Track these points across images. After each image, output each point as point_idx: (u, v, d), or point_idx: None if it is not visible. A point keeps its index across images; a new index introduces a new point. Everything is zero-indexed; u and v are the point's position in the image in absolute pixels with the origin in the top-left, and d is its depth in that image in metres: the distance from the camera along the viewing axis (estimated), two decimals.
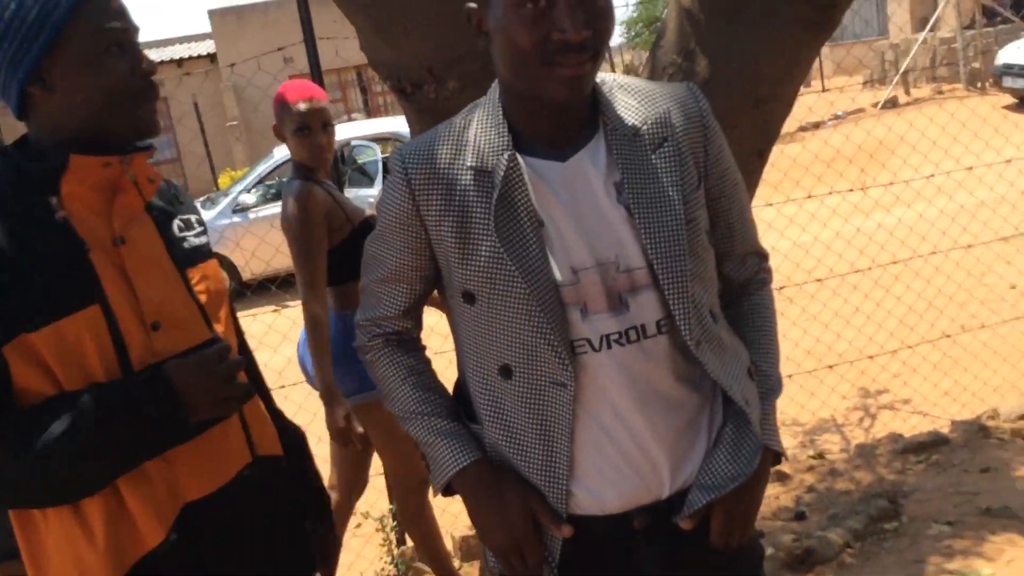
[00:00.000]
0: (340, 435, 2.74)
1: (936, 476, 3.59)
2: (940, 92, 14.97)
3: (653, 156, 1.38)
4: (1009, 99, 13.47)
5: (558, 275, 1.34)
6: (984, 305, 5.56)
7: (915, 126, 8.69)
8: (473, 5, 1.34)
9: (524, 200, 1.34)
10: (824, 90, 17.84)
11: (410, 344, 1.51)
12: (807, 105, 15.11)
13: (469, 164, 1.36)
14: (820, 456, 3.99)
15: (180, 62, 20.16)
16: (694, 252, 1.38)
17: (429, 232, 1.38)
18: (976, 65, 14.96)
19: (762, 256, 1.58)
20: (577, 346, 1.35)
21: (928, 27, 15.72)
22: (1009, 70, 13.19)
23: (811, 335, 5.16)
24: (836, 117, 14.25)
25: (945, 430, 3.97)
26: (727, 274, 1.54)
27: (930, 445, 3.81)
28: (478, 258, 1.34)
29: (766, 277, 1.58)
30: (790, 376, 4.74)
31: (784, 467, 3.91)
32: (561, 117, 1.37)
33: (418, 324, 1.53)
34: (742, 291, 1.56)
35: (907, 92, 15.32)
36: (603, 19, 1.30)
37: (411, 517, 3.12)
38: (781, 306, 5.77)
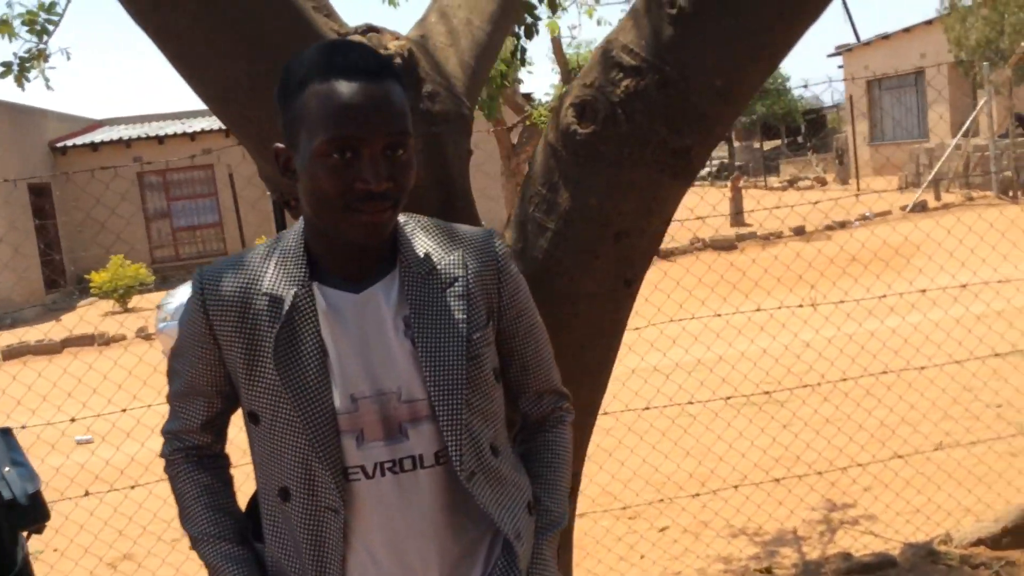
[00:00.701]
0: None
1: None
2: (971, 199, 14.92)
3: (444, 294, 1.47)
4: None
5: (338, 403, 1.42)
6: (959, 423, 5.48)
7: (933, 235, 8.70)
8: (280, 146, 1.44)
9: (311, 329, 1.43)
10: (859, 191, 17.90)
11: (209, 461, 1.58)
12: (843, 206, 15.16)
13: (264, 291, 1.45)
14: (768, 571, 3.94)
15: (226, 131, 20.91)
16: (476, 387, 1.46)
17: (222, 350, 1.46)
18: (1008, 174, 14.90)
19: (561, 395, 1.66)
20: (351, 473, 1.42)
21: (960, 133, 15.73)
22: None
23: (802, 439, 5.14)
24: (863, 218, 14.25)
25: (896, 552, 3.91)
26: (524, 410, 1.62)
27: (876, 567, 3.75)
28: (260, 382, 1.43)
29: (564, 415, 1.65)
30: (759, 484, 4.73)
31: None
32: (359, 254, 1.46)
33: (220, 438, 1.60)
34: (538, 427, 1.63)
35: (937, 197, 15.28)
36: (404, 172, 1.40)
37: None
38: (771, 409, 5.80)
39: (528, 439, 1.63)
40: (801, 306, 4.82)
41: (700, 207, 6.94)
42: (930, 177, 15.59)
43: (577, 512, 3.95)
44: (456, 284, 1.48)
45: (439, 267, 1.49)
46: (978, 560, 3.77)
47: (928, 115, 20.98)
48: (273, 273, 1.46)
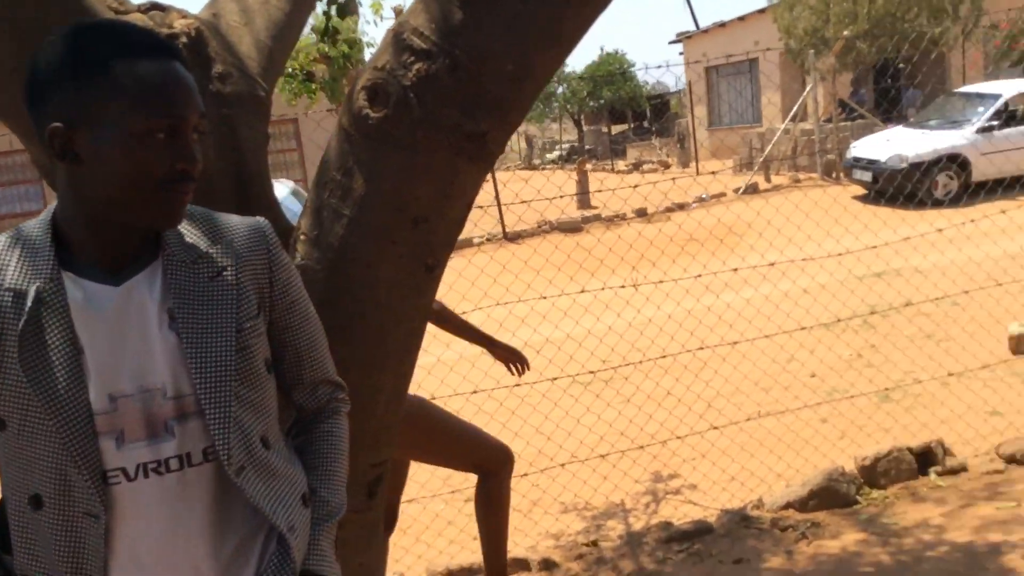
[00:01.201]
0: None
1: (692, 567, 3.69)
2: (798, 180, 15.75)
3: (211, 284, 1.42)
4: (859, 190, 14.27)
5: (94, 403, 1.35)
6: (787, 391, 5.80)
7: (762, 214, 9.14)
8: (58, 126, 1.33)
9: (61, 326, 1.34)
10: (698, 174, 18.60)
11: None
12: (682, 187, 15.69)
13: (6, 286, 1.36)
14: (594, 544, 4.06)
15: None
16: (245, 379, 1.42)
17: None
18: (832, 156, 15.81)
19: (336, 385, 1.64)
20: (111, 476, 1.35)
21: (788, 118, 16.56)
22: (858, 163, 14.00)
23: (624, 416, 5.29)
24: (700, 199, 14.81)
25: (713, 519, 4.09)
26: (299, 402, 1.60)
27: (694, 534, 3.92)
28: (7, 385, 1.34)
29: (340, 406, 1.64)
30: (585, 460, 4.85)
31: (555, 555, 3.96)
32: (124, 242, 1.40)
33: None
34: (315, 418, 1.62)
35: (768, 179, 16.06)
36: (202, 154, 1.40)
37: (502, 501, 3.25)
38: (596, 388, 5.95)
39: (304, 431, 1.61)
40: (623, 287, 4.96)
41: (547, 189, 7.05)
42: (760, 160, 16.35)
43: (405, 498, 3.95)
44: (224, 274, 1.44)
45: (205, 256, 1.44)
46: (787, 523, 4.00)
47: (761, 101, 22.00)
48: (16, 266, 1.37)
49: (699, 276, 4.95)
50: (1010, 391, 5.38)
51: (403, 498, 3.34)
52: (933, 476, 4.43)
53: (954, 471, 4.46)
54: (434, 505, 4.64)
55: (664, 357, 5.13)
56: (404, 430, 2.80)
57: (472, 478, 3.21)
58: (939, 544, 3.74)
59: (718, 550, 3.79)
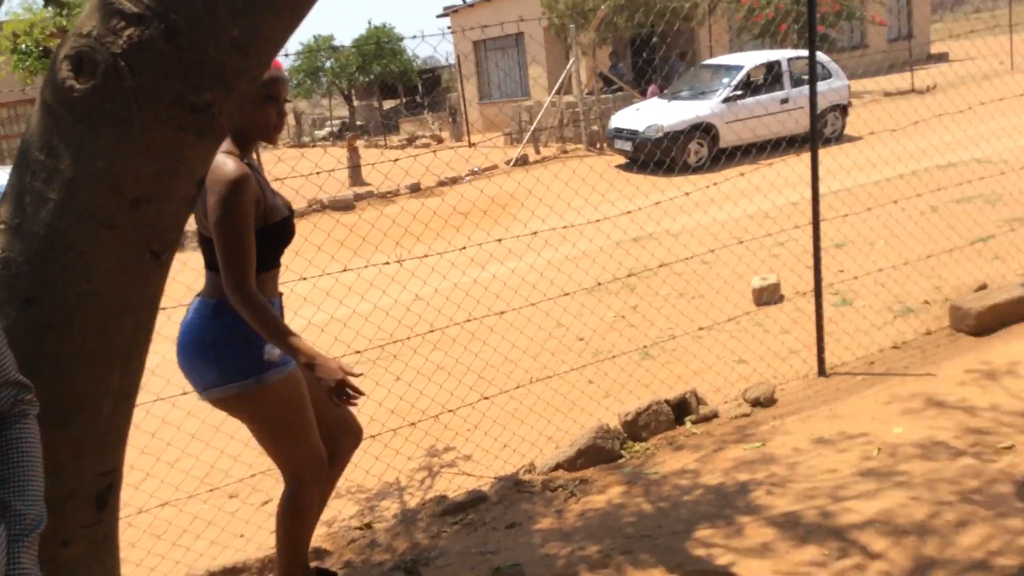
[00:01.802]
0: (343, 387, 2.63)
1: (466, 537, 3.72)
2: (565, 151, 16.27)
3: None
4: (621, 159, 14.94)
5: None
6: (555, 356, 5.98)
7: (531, 187, 9.34)
8: None
9: None
10: (471, 145, 18.81)
11: None
12: (445, 161, 15.80)
13: None
14: (368, 526, 4.01)
15: None
16: None
17: None
18: (595, 128, 16.45)
19: (21, 386, 1.50)
20: None
21: (554, 91, 17.04)
22: (619, 134, 14.65)
23: (395, 394, 5.25)
24: (472, 173, 14.99)
25: (488, 488, 4.15)
26: None
27: (468, 505, 3.96)
28: None
29: (27, 409, 1.51)
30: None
31: (326, 543, 3.88)
32: None
33: None
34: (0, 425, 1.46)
35: (537, 151, 16.49)
36: None
37: (293, 514, 2.97)
38: (364, 367, 5.87)
39: None
40: (388, 263, 4.91)
41: (321, 166, 6.85)
42: (529, 133, 16.76)
43: (158, 501, 3.72)
44: None
45: None
46: (557, 483, 4.13)
47: (528, 75, 22.50)
48: None
49: (464, 248, 4.99)
50: (753, 340, 5.82)
51: (156, 502, 3.15)
52: (689, 425, 4.72)
53: (707, 418, 4.77)
54: (192, 506, 4.41)
55: (432, 332, 5.13)
56: (258, 405, 2.79)
57: (236, 474, 3.06)
58: (694, 488, 3.98)
59: (491, 517, 3.85)
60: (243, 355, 2.75)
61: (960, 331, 5.45)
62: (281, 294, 3.04)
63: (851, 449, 4.16)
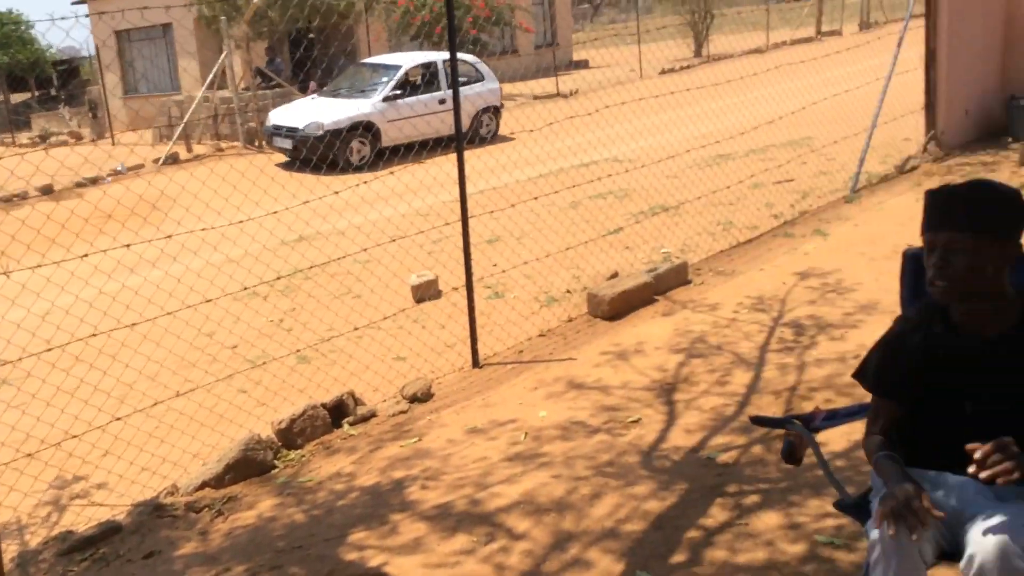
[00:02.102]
0: None
1: (97, 573, 3.37)
2: (220, 150, 15.56)
3: None
4: (282, 157, 14.55)
5: None
6: (201, 368, 5.64)
7: (187, 187, 8.73)
8: None
9: None
10: (114, 145, 17.38)
11: None
12: (86, 157, 14.46)
13: None
14: None
15: None
16: None
17: None
18: (253, 125, 15.89)
19: None
20: None
21: (205, 86, 16.23)
22: (278, 131, 14.26)
23: (5, 423, 4.65)
24: (116, 173, 13.86)
25: (123, 516, 3.80)
26: None
27: (99, 538, 3.60)
28: None
29: None
30: None
31: None
32: None
33: None
34: None
35: (189, 149, 15.62)
36: None
37: None
38: None
39: None
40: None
41: None
42: (180, 130, 15.81)
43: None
44: None
45: None
46: (202, 503, 3.87)
47: (178, 68, 21.25)
48: None
49: (86, 256, 4.48)
50: (411, 337, 5.88)
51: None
52: (346, 427, 4.65)
53: (365, 419, 4.74)
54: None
55: (50, 350, 4.58)
56: None
57: None
58: (349, 491, 3.92)
59: (127, 548, 3.53)
60: None
61: (596, 317, 5.87)
62: None
63: (501, 436, 4.32)
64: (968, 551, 2.03)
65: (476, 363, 5.34)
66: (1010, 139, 9.09)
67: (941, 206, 2.21)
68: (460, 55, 16.08)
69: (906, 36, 8.77)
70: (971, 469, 1.97)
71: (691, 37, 26.93)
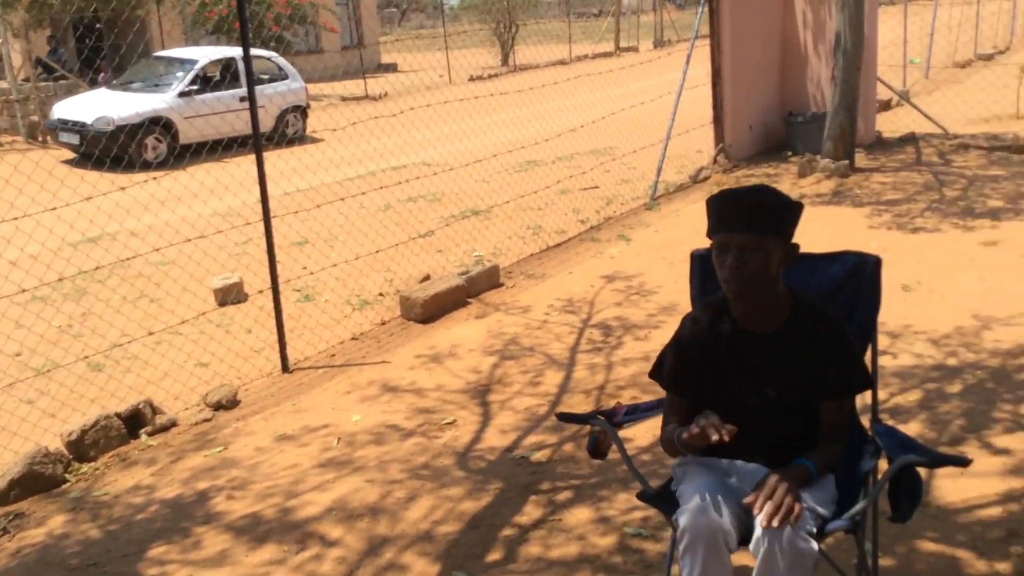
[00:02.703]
0: None
1: None
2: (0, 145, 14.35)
3: None
4: (68, 153, 13.58)
5: None
6: None
7: None
8: None
9: None
10: None
11: None
12: None
13: None
14: None
15: None
16: None
17: None
18: (35, 118, 14.75)
19: None
20: None
21: None
22: (64, 125, 13.28)
23: None
24: None
25: None
26: None
27: None
28: None
29: None
30: None
31: None
32: None
33: None
34: None
35: None
36: None
37: None
38: None
39: None
40: None
41: None
42: None
43: None
44: None
45: None
46: None
47: None
48: None
49: None
50: (214, 342, 5.63)
51: None
52: (144, 437, 4.39)
53: (165, 428, 4.49)
54: None
55: None
56: None
57: None
58: (149, 504, 3.70)
59: None
60: None
61: (409, 319, 5.84)
62: None
63: (313, 442, 4.21)
64: (756, 533, 2.16)
65: (286, 368, 5.18)
66: (789, 153, 9.83)
67: (734, 209, 2.34)
68: (262, 52, 15.66)
69: (694, 54, 9.31)
70: (761, 522, 2.11)
71: (498, 46, 27.43)
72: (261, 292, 6.37)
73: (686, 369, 2.50)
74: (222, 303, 6.47)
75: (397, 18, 48.13)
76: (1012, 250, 6.16)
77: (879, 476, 2.65)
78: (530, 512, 3.43)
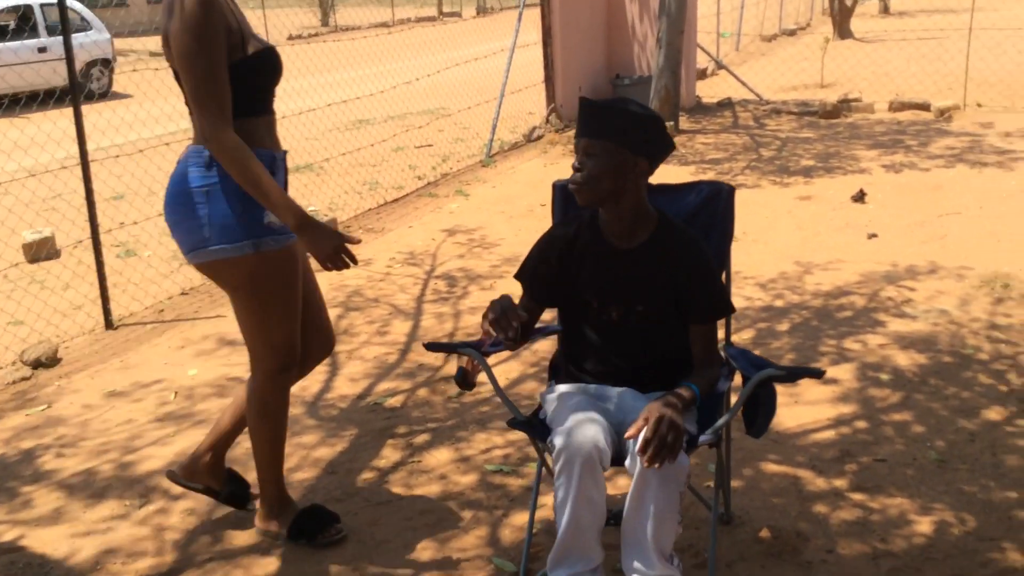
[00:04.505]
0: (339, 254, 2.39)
1: None
2: None
3: None
4: None
5: None
6: None
7: None
8: None
9: None
10: None
11: None
12: None
13: None
14: None
15: None
16: None
17: None
18: None
19: None
20: None
21: None
22: None
23: None
24: None
25: None
26: None
27: None
28: None
29: None
30: None
31: None
32: None
33: None
34: None
35: None
36: None
37: (258, 408, 2.64)
38: None
39: None
40: None
41: None
42: None
43: None
44: None
45: None
46: None
47: None
48: None
49: None
50: (28, 297, 5.20)
51: None
52: None
53: None
54: None
55: None
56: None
57: None
58: None
59: None
60: (240, 213, 2.40)
61: None
62: (285, 151, 2.61)
63: (147, 398, 3.96)
64: (631, 451, 2.20)
65: (109, 324, 4.85)
66: None
67: (585, 115, 2.36)
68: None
69: (525, 15, 9.37)
70: (643, 462, 2.10)
71: (317, 5, 26.64)
72: (76, 246, 5.94)
73: (543, 268, 2.53)
74: (33, 259, 5.98)
75: None
76: (824, 203, 6.58)
77: (732, 397, 2.78)
78: (388, 456, 3.37)
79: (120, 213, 6.88)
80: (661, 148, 2.40)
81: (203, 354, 4.43)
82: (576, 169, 2.35)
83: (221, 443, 2.89)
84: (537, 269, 2.54)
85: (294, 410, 3.77)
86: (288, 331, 2.60)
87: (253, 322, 2.56)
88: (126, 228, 6.32)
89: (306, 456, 3.39)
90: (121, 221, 6.61)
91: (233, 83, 2.38)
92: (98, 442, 3.55)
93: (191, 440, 3.52)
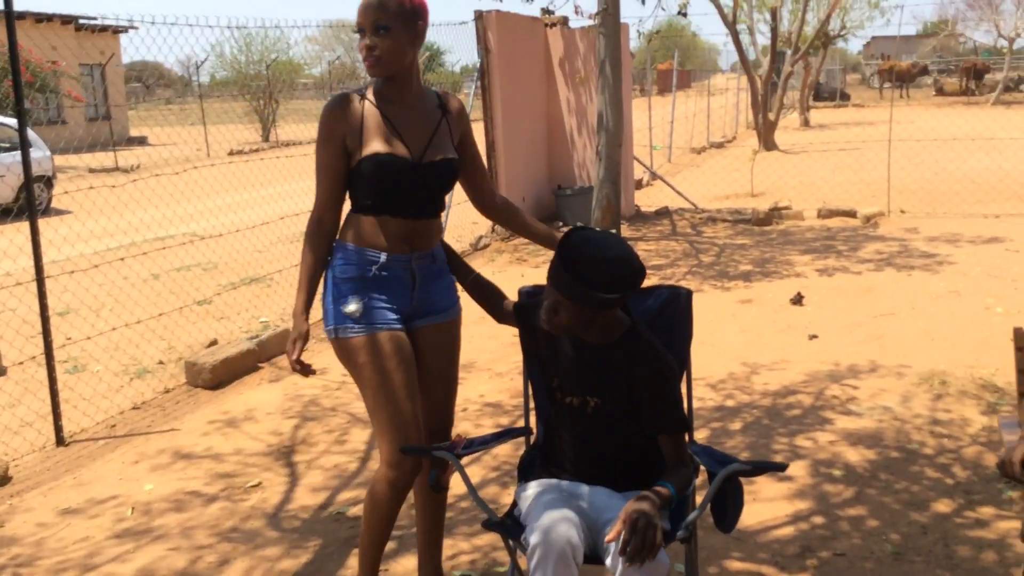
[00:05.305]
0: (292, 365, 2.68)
1: None
2: None
3: None
4: None
5: None
6: None
7: None
8: None
9: None
10: None
11: None
12: None
13: None
14: None
15: None
16: None
17: None
18: None
19: None
20: None
21: None
22: None
23: None
24: None
25: None
26: None
27: None
28: None
29: None
30: None
31: None
32: None
33: None
34: None
35: None
36: None
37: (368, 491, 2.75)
38: None
39: None
40: None
41: None
42: None
43: None
44: None
45: None
46: None
47: None
48: None
49: None
50: None
51: None
52: None
53: None
54: None
55: None
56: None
57: None
58: None
59: None
60: (331, 301, 2.70)
61: (197, 386, 5.56)
62: (429, 252, 2.79)
63: (103, 514, 3.89)
64: (612, 552, 2.26)
65: (61, 441, 4.76)
66: (560, 223, 10.38)
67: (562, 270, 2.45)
68: (3, 119, 14.48)
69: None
70: (624, 562, 2.16)
71: (257, 122, 27.02)
72: (22, 363, 5.84)
73: (533, 316, 2.64)
74: None
75: (143, 93, 46.18)
76: (765, 306, 6.83)
77: (698, 495, 2.86)
78: (353, 565, 3.34)
79: (68, 327, 6.80)
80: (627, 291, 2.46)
81: (158, 468, 4.37)
82: (547, 312, 2.48)
83: (423, 553, 3.07)
84: (527, 307, 2.74)
85: (255, 522, 3.73)
86: (388, 416, 2.65)
87: (365, 404, 2.73)
88: (76, 343, 6.25)
89: (270, 569, 3.35)
90: (68, 336, 6.54)
91: (353, 181, 2.71)
92: (55, 560, 3.46)
93: (151, 556, 3.46)
